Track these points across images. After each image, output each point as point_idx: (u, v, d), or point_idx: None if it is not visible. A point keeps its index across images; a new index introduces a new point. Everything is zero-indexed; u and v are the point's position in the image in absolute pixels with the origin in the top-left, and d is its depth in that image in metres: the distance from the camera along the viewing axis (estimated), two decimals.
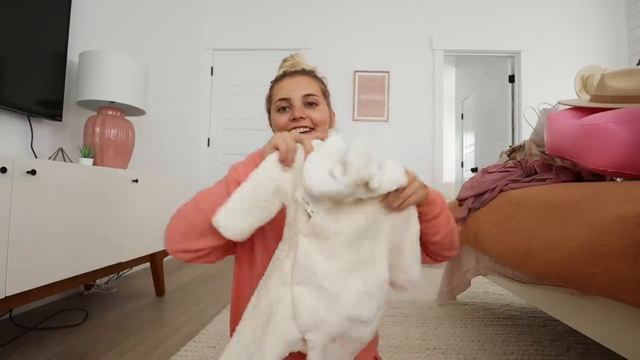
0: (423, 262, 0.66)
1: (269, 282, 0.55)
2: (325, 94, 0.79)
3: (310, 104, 0.73)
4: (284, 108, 0.73)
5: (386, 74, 3.27)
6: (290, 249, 0.55)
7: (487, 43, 3.27)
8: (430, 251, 0.69)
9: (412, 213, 0.60)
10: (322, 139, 0.60)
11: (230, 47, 3.37)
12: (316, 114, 0.73)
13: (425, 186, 0.63)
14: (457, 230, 0.70)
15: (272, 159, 0.57)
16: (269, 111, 0.79)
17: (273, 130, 0.77)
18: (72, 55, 1.72)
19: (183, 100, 3.05)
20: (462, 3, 3.30)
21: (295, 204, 0.54)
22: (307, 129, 0.72)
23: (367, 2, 3.34)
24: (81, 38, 1.82)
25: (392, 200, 0.56)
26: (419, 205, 0.61)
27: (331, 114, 0.79)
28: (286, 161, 0.56)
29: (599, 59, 3.14)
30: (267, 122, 0.80)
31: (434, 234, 0.65)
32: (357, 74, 3.28)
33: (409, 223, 0.60)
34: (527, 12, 3.27)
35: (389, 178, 0.53)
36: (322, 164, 0.53)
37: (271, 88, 0.79)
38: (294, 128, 0.71)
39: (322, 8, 3.35)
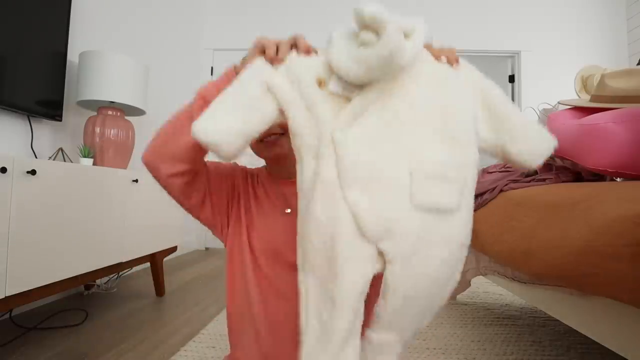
0: None
1: (311, 206, 0.42)
2: None
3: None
4: None
5: None
6: (320, 154, 0.42)
7: (487, 43, 3.27)
8: None
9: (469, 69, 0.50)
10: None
11: (230, 47, 3.37)
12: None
13: None
14: None
15: (259, 61, 0.47)
16: None
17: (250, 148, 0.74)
18: (72, 55, 1.72)
19: (183, 100, 3.02)
20: (462, 3, 3.30)
21: (311, 99, 0.44)
22: (277, 135, 0.68)
23: (366, 3, 3.33)
24: (81, 38, 1.82)
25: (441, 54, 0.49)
26: None
27: None
28: (277, 58, 0.48)
29: (599, 59, 3.14)
30: None
31: None
32: None
33: (475, 81, 0.49)
34: (527, 12, 3.27)
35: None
36: (345, 43, 0.44)
37: None
38: (265, 138, 0.68)
39: (322, 8, 3.35)
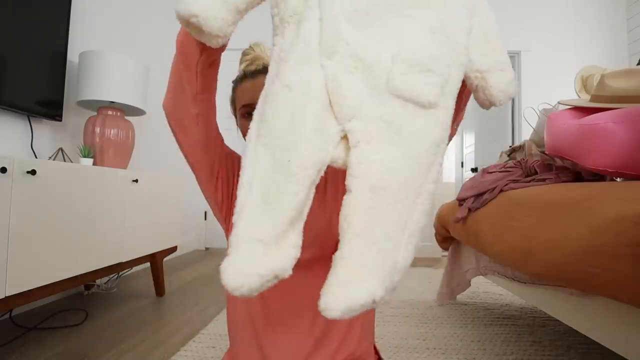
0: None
1: (282, 67, 0.38)
2: None
3: None
4: (249, 114, 0.68)
5: None
6: (303, 17, 0.38)
7: None
8: None
9: None
10: None
11: (230, 47, 3.35)
12: None
13: None
14: None
15: None
16: (235, 115, 0.75)
17: (243, 137, 0.71)
18: (72, 55, 1.72)
19: None
20: None
21: None
22: None
23: None
24: (81, 38, 1.82)
25: None
26: None
27: None
28: None
29: (599, 59, 3.14)
30: (236, 126, 0.76)
31: None
32: None
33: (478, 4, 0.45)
34: (527, 12, 3.27)
35: None
36: None
37: (233, 90, 0.73)
38: None
39: None
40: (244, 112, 0.69)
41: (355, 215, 0.36)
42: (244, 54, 0.74)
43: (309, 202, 0.36)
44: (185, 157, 0.65)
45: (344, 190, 0.37)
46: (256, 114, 0.40)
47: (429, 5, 0.41)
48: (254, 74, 0.70)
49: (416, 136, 0.38)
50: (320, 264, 0.54)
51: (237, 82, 0.72)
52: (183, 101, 0.58)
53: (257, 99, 0.51)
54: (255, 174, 0.36)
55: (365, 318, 0.69)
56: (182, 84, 0.58)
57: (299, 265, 0.55)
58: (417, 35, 0.39)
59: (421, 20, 0.40)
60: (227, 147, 0.69)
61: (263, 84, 0.51)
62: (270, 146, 0.36)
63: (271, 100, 0.38)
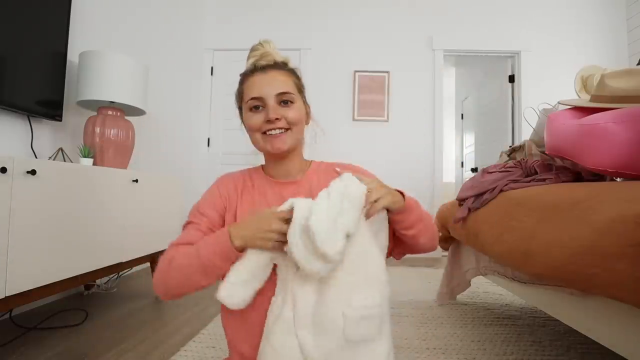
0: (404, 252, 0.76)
1: (271, 337, 0.60)
2: (301, 89, 0.74)
3: (285, 102, 0.70)
4: (256, 107, 0.69)
5: (386, 74, 3.27)
6: (285, 299, 0.61)
7: (487, 43, 3.27)
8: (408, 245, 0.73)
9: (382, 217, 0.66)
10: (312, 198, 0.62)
11: (230, 47, 3.36)
12: (292, 113, 0.70)
13: (395, 193, 0.66)
14: (436, 232, 0.77)
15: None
16: (240, 108, 0.74)
17: (246, 130, 0.73)
18: (72, 55, 1.72)
19: (183, 100, 3.05)
20: (462, 3, 3.30)
21: (285, 262, 0.62)
22: (283, 130, 0.69)
23: (367, 2, 3.34)
24: (81, 38, 1.82)
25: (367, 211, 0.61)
26: (392, 211, 0.66)
27: (306, 108, 0.76)
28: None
29: (599, 59, 3.14)
30: (239, 119, 0.76)
31: (413, 237, 0.70)
32: (357, 74, 3.28)
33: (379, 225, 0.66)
34: (527, 12, 3.27)
35: (338, 244, 0.56)
36: (298, 233, 0.58)
37: (241, 82, 0.72)
38: (269, 130, 0.69)
39: (322, 8, 3.35)
40: (252, 105, 0.69)
41: None
42: (253, 49, 0.74)
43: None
44: None
45: None
46: (258, 356, 0.62)
47: (357, 259, 0.60)
48: (264, 68, 0.70)
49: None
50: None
51: (246, 75, 0.72)
52: (187, 292, 0.65)
53: (267, 93, 0.68)
54: None
55: None
56: (195, 285, 0.63)
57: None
58: (356, 288, 0.59)
59: (356, 274, 0.60)
60: (216, 214, 0.73)
61: (274, 78, 0.69)
62: None
63: (263, 356, 0.60)
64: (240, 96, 0.73)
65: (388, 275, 0.61)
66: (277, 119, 0.68)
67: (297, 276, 0.60)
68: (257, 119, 0.69)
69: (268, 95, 0.68)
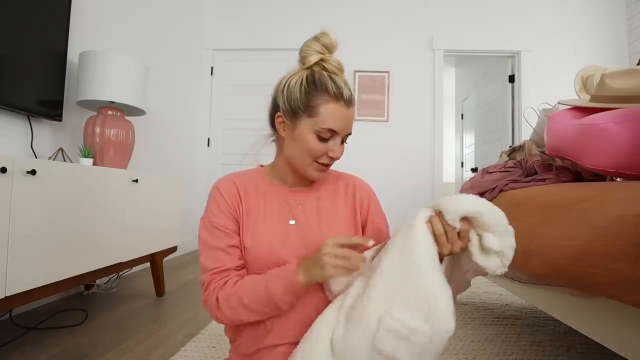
0: None
1: (317, 320, 0.60)
2: None
3: (344, 141, 0.71)
4: (325, 137, 0.66)
5: (386, 74, 3.27)
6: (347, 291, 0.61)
7: (487, 43, 3.27)
8: None
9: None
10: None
11: (230, 47, 3.37)
12: (343, 150, 0.71)
13: None
14: None
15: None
16: (291, 113, 0.67)
17: (294, 145, 0.68)
18: (72, 55, 1.72)
19: (183, 100, 3.05)
20: (462, 3, 3.30)
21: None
22: (330, 163, 0.70)
23: (367, 2, 3.34)
24: (81, 38, 1.82)
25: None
26: None
27: None
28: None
29: (599, 59, 3.14)
30: (271, 121, 0.72)
31: None
32: (357, 74, 3.29)
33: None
34: (527, 12, 3.27)
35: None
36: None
37: (315, 97, 0.65)
38: (323, 164, 0.68)
39: (322, 8, 3.35)
40: (324, 135, 0.66)
41: None
42: (323, 44, 0.67)
43: None
44: None
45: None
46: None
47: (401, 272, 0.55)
48: (349, 103, 0.67)
49: None
50: None
51: (329, 96, 0.65)
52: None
53: (344, 131, 0.68)
54: None
55: None
56: (268, 315, 0.65)
57: None
58: (399, 300, 0.53)
59: (403, 286, 0.54)
60: (237, 238, 0.70)
61: (350, 119, 0.69)
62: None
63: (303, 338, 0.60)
64: (307, 109, 0.65)
65: (452, 317, 0.51)
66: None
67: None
68: (322, 148, 0.67)
69: (342, 134, 0.68)
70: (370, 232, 0.75)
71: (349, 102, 0.67)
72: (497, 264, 0.54)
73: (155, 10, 2.58)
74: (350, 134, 0.70)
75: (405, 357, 0.51)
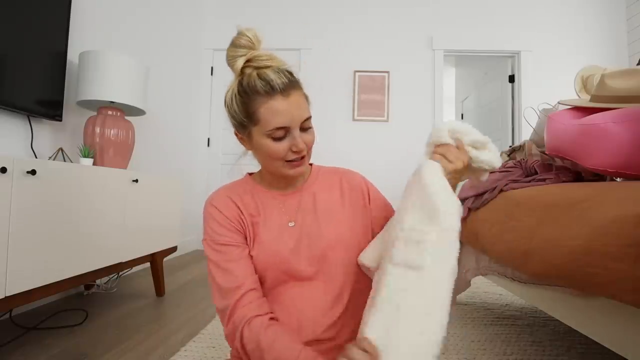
0: None
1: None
2: (309, 102, 0.68)
3: (306, 128, 0.65)
4: (281, 137, 0.62)
5: (386, 74, 3.27)
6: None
7: (487, 43, 3.27)
8: None
9: None
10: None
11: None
12: (311, 137, 0.66)
13: None
14: None
15: None
16: (241, 127, 0.65)
17: (260, 156, 0.67)
18: (72, 55, 1.72)
19: (183, 100, 3.05)
20: (462, 3, 3.30)
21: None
22: (302, 157, 0.66)
23: (367, 2, 3.34)
24: (81, 38, 1.82)
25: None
26: None
27: None
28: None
29: (599, 59, 3.14)
30: (236, 138, 0.70)
31: None
32: (357, 74, 3.28)
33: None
34: (527, 12, 3.27)
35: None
36: None
37: (251, 102, 0.62)
38: (293, 160, 0.64)
39: (322, 8, 3.35)
40: (277, 135, 0.62)
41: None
42: (242, 46, 0.65)
43: None
44: None
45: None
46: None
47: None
48: (286, 91, 0.61)
49: (416, 291, 0.54)
50: (320, 279, 0.66)
51: (261, 96, 0.61)
52: None
53: (294, 122, 0.62)
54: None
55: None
56: None
57: (305, 278, 0.65)
58: (409, 211, 0.60)
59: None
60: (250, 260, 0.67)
61: (297, 104, 0.63)
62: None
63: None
64: (250, 118, 0.62)
65: (454, 216, 0.58)
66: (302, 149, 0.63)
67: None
68: (282, 148, 0.62)
69: (294, 125, 0.62)
70: (378, 208, 0.76)
71: (284, 91, 0.61)
72: (497, 157, 0.68)
73: (155, 10, 2.58)
74: (307, 118, 0.64)
75: (420, 260, 0.53)
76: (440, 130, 0.66)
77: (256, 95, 0.61)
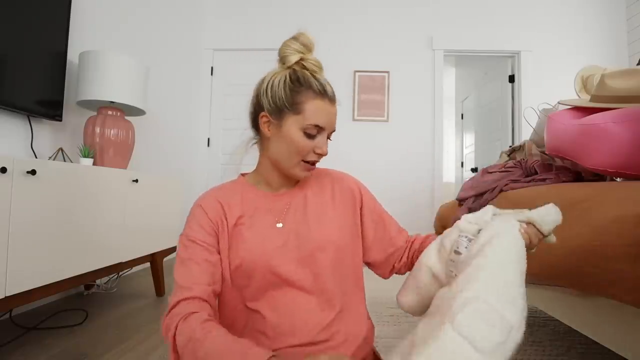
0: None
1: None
2: None
3: (329, 138, 0.70)
4: (312, 134, 0.65)
5: (386, 74, 3.27)
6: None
7: (487, 43, 3.27)
8: None
9: None
10: None
11: (230, 47, 3.37)
12: (327, 148, 0.69)
13: None
14: None
15: None
16: (276, 111, 0.66)
17: (281, 143, 0.66)
18: (72, 55, 1.72)
19: (183, 100, 3.05)
20: (462, 3, 3.30)
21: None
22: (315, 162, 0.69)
23: (367, 2, 3.34)
24: (81, 38, 1.82)
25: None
26: None
27: None
28: None
29: (599, 59, 3.14)
30: (254, 122, 0.71)
31: None
32: (357, 74, 3.28)
33: None
34: (527, 12, 3.27)
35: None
36: None
37: (299, 94, 0.64)
38: (310, 161, 0.67)
39: (322, 8, 3.35)
40: (310, 131, 0.65)
41: None
42: (303, 44, 0.68)
43: None
44: None
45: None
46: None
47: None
48: (333, 100, 0.68)
49: None
50: (309, 281, 0.64)
51: (314, 94, 0.65)
52: None
53: (330, 127, 0.68)
54: None
55: (369, 328, 0.69)
56: None
57: (295, 281, 0.64)
58: None
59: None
60: (215, 268, 0.66)
61: (335, 115, 0.69)
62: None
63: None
64: (293, 106, 0.65)
65: (522, 328, 0.51)
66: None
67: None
68: (309, 145, 0.66)
69: (328, 129, 0.68)
70: (369, 213, 0.75)
71: (332, 99, 0.67)
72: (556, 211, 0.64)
73: (155, 10, 2.58)
74: (335, 130, 0.70)
75: (483, 344, 0.46)
76: (547, 223, 0.63)
77: (309, 91, 0.65)
